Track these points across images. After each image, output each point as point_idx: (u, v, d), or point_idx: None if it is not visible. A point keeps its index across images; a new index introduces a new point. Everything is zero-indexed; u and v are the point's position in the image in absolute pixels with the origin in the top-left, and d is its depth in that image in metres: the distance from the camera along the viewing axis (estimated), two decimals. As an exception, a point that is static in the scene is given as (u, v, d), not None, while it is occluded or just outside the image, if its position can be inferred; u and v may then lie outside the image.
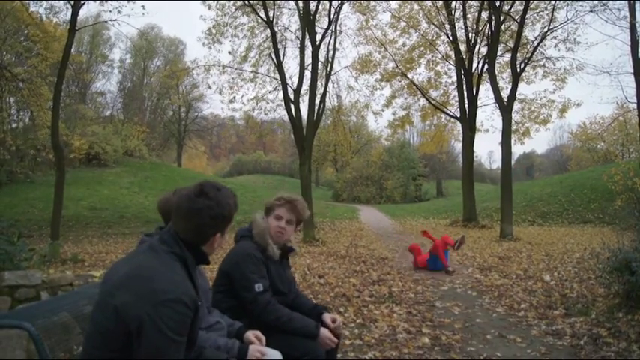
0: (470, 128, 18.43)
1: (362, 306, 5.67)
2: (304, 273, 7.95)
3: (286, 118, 15.32)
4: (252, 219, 2.72)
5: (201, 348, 1.93)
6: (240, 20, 15.73)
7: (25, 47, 16.39)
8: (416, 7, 18.53)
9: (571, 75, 17.69)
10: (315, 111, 14.63)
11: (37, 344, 1.90)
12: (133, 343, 1.59)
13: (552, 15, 15.69)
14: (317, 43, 14.64)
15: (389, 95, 20.04)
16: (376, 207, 33.36)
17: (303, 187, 14.39)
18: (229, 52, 16.14)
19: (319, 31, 15.00)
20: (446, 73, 19.93)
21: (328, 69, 15.77)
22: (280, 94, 15.21)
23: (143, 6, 16.25)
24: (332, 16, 15.10)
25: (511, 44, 16.24)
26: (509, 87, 15.82)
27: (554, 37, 16.49)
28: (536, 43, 16.21)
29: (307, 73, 14.86)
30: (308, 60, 14.80)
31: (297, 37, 15.50)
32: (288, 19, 18.75)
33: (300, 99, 14.69)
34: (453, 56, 18.66)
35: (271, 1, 14.58)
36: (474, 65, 18.37)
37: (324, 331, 2.60)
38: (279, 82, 14.82)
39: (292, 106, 14.41)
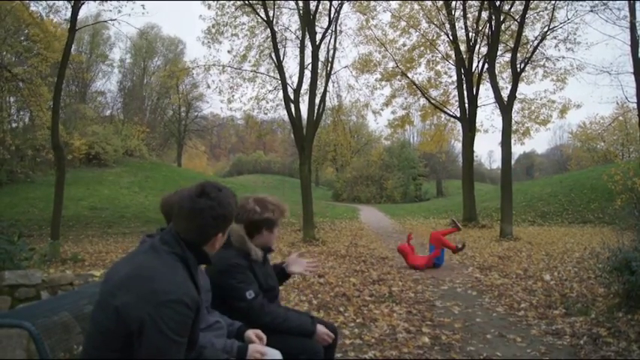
0: (470, 128, 18.43)
1: (362, 305, 5.67)
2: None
3: (286, 117, 15.34)
4: None
5: (202, 348, 1.93)
6: (240, 20, 15.75)
7: (25, 47, 16.38)
8: (416, 6, 18.53)
9: (571, 75, 17.74)
10: (315, 111, 14.64)
11: (37, 344, 1.90)
12: (134, 343, 1.59)
13: (552, 15, 15.70)
14: (317, 43, 14.64)
15: (389, 95, 20.07)
16: (376, 206, 33.36)
17: (303, 187, 14.39)
18: (229, 52, 16.15)
19: (319, 31, 15.02)
20: (446, 73, 19.96)
21: (328, 69, 15.78)
22: (280, 94, 15.22)
23: (143, 5, 16.24)
24: (332, 15, 15.12)
25: (511, 44, 16.24)
26: (510, 87, 15.82)
27: (555, 37, 16.51)
28: (536, 42, 16.21)
29: (307, 73, 14.89)
30: (308, 60, 14.82)
31: (297, 37, 15.52)
32: (288, 19, 18.72)
33: (300, 99, 14.71)
34: (453, 56, 18.66)
35: (271, 1, 14.58)
36: (474, 65, 18.37)
37: (320, 328, 2.60)
38: (279, 81, 14.83)
39: (292, 105, 14.42)
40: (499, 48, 16.36)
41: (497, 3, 15.19)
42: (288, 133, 34.01)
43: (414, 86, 19.41)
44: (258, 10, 14.71)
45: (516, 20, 15.38)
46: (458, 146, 39.70)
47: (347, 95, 36.79)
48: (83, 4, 12.33)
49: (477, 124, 19.08)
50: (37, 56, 14.84)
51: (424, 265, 8.48)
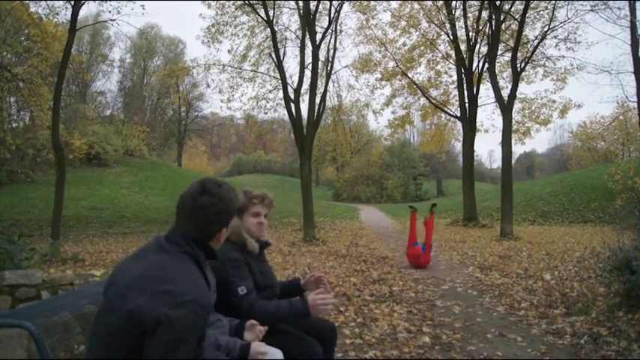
0: (470, 128, 18.43)
1: (362, 305, 5.67)
2: (305, 272, 7.95)
3: (286, 117, 15.34)
4: None
5: (200, 349, 1.93)
6: (240, 19, 15.74)
7: (25, 47, 16.37)
8: (416, 6, 18.53)
9: (571, 75, 17.73)
10: (316, 110, 14.63)
11: (37, 344, 1.90)
12: (145, 341, 1.59)
13: (553, 14, 15.69)
14: (317, 43, 14.63)
15: (389, 94, 20.07)
16: (376, 206, 33.37)
17: (304, 187, 14.39)
18: (229, 51, 16.15)
19: (319, 31, 15.01)
20: (446, 73, 19.95)
21: (328, 68, 15.77)
22: (280, 94, 15.22)
23: (143, 6, 16.27)
24: (332, 15, 15.11)
25: (511, 43, 16.23)
26: (510, 86, 15.81)
27: (555, 37, 16.50)
28: (536, 42, 16.20)
29: (307, 73, 14.88)
30: (308, 59, 14.81)
31: (298, 37, 15.51)
32: (289, 19, 18.76)
33: (301, 98, 14.70)
34: (454, 55, 18.66)
35: (271, 1, 14.57)
36: (475, 64, 18.37)
37: (312, 299, 2.57)
38: (280, 81, 14.82)
39: (292, 105, 14.41)
40: (499, 47, 16.36)
41: (498, 2, 15.19)
42: (288, 132, 33.99)
43: (415, 86, 19.41)
44: (258, 10, 14.70)
45: (516, 20, 15.37)
46: (458, 146, 39.73)
47: (347, 95, 36.76)
48: (83, 4, 12.33)
49: (477, 124, 19.08)
50: (37, 56, 14.83)
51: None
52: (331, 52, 15.87)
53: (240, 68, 16.08)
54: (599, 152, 35.54)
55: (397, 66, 19.02)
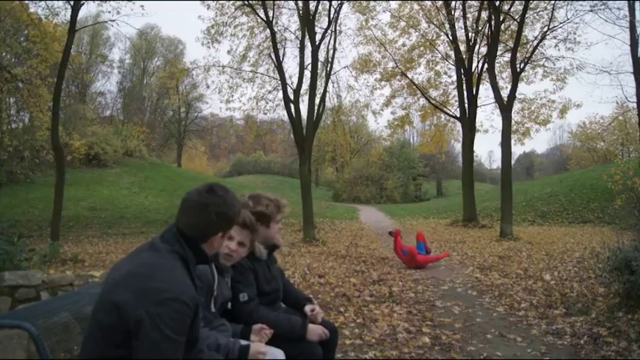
0: (470, 128, 18.43)
1: (362, 306, 5.67)
2: (304, 273, 7.95)
3: (286, 117, 15.33)
4: None
5: (199, 351, 1.94)
6: (240, 20, 15.73)
7: (24, 48, 16.36)
8: (416, 6, 18.54)
9: (571, 75, 17.73)
10: (315, 111, 14.63)
11: (37, 344, 1.90)
12: (132, 344, 1.60)
13: (552, 14, 15.71)
14: (317, 43, 14.63)
15: (388, 95, 20.07)
16: (376, 207, 33.34)
17: (303, 187, 14.39)
18: (228, 52, 16.14)
19: (319, 31, 15.01)
20: (446, 73, 19.95)
21: (328, 69, 15.77)
22: (280, 94, 15.21)
23: (142, 6, 16.26)
24: (332, 16, 15.11)
25: (511, 44, 16.24)
26: (509, 87, 15.82)
27: (554, 37, 16.50)
28: (536, 42, 16.21)
29: (307, 73, 14.87)
30: (308, 60, 14.81)
31: (297, 37, 15.50)
32: (288, 19, 18.70)
33: (300, 99, 14.70)
34: (453, 56, 18.67)
35: (271, 1, 14.57)
36: (474, 65, 18.38)
37: (313, 328, 2.59)
38: (279, 81, 14.82)
39: (292, 105, 14.41)
40: (499, 48, 16.36)
41: (497, 3, 15.20)
42: (287, 133, 33.98)
43: (414, 86, 19.42)
44: (257, 11, 14.70)
45: (516, 20, 15.38)
46: (458, 146, 39.73)
47: (347, 95, 36.73)
48: (83, 4, 12.33)
49: (476, 125, 19.09)
50: (37, 57, 14.83)
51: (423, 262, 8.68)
52: (331, 52, 15.89)
53: (240, 69, 16.09)
54: (598, 152, 35.57)
55: (397, 66, 19.04)
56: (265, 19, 14.34)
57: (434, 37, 19.23)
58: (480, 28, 17.65)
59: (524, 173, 55.19)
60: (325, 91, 15.41)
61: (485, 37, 17.27)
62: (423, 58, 19.74)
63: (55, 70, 13.58)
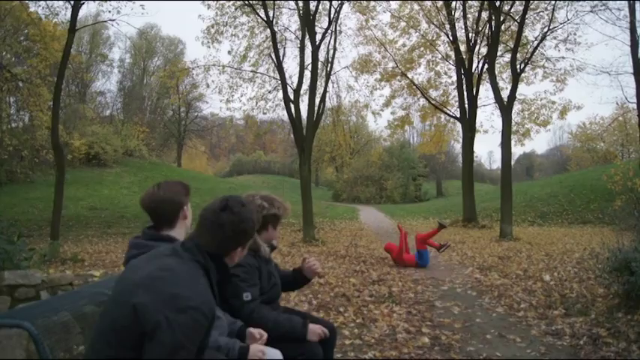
0: (470, 128, 18.45)
1: (362, 306, 5.67)
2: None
3: (286, 117, 15.34)
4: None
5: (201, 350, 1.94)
6: (240, 20, 15.75)
7: (24, 47, 16.36)
8: (416, 7, 18.56)
9: (571, 76, 17.77)
10: (315, 111, 14.63)
11: (36, 344, 1.90)
12: (145, 345, 1.60)
13: (552, 15, 15.72)
14: (317, 43, 14.63)
15: (388, 95, 20.10)
16: (376, 207, 33.35)
17: (303, 187, 14.39)
18: (229, 52, 16.16)
19: (319, 31, 15.02)
20: (446, 73, 19.97)
21: (328, 69, 15.79)
22: (280, 94, 15.22)
23: (142, 6, 16.24)
24: (332, 16, 15.12)
25: (511, 44, 16.25)
26: (509, 87, 15.83)
27: (555, 38, 16.56)
28: (536, 43, 16.23)
29: (307, 73, 14.89)
30: (308, 60, 14.82)
31: (297, 37, 15.51)
32: (288, 19, 18.76)
33: (300, 99, 14.70)
34: (453, 56, 18.68)
35: (271, 1, 14.57)
36: (474, 65, 18.40)
37: (312, 328, 2.60)
38: (279, 81, 14.83)
39: (292, 105, 14.41)
40: (499, 48, 16.38)
41: (497, 3, 15.21)
42: (287, 133, 34.02)
43: (414, 87, 19.43)
44: (257, 10, 14.70)
45: (516, 21, 15.39)
46: (458, 146, 39.84)
47: (347, 95, 36.79)
48: (83, 4, 12.31)
49: (476, 125, 19.11)
50: (37, 56, 14.83)
51: (415, 260, 8.80)
52: (331, 52, 15.92)
53: (240, 69, 16.10)
54: (598, 153, 35.57)
55: (397, 67, 19.04)
56: (265, 18, 14.35)
57: (434, 38, 19.25)
58: (480, 28, 17.66)
59: (524, 174, 55.16)
60: (325, 91, 15.42)
61: (485, 38, 17.29)
62: (423, 59, 19.77)
63: (55, 70, 13.58)
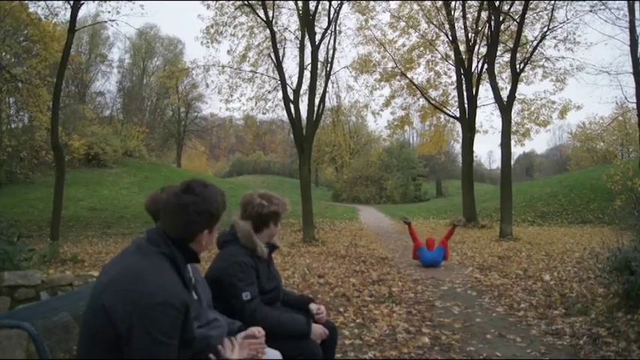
0: (469, 128, 18.45)
1: (362, 306, 5.67)
2: (304, 273, 7.95)
3: (285, 118, 15.32)
4: (233, 222, 2.69)
5: (208, 338, 1.97)
6: (240, 20, 15.73)
7: (24, 48, 16.36)
8: (415, 7, 18.56)
9: (571, 75, 17.77)
10: (315, 111, 14.63)
11: (36, 344, 1.89)
12: (124, 349, 1.60)
13: (552, 15, 15.72)
14: (316, 43, 14.62)
15: (388, 95, 20.09)
16: (376, 207, 33.37)
17: (303, 187, 14.41)
18: (228, 52, 16.14)
19: (319, 31, 15.00)
20: (445, 73, 19.98)
21: (328, 69, 15.77)
22: (279, 94, 15.21)
23: (142, 6, 16.22)
24: (331, 16, 15.10)
25: (510, 44, 16.25)
26: (509, 87, 15.83)
27: (554, 37, 16.54)
28: (535, 42, 16.23)
29: (307, 73, 14.86)
30: (307, 60, 14.80)
31: (297, 37, 15.50)
32: (288, 19, 18.77)
33: (300, 99, 14.69)
34: (453, 56, 18.69)
35: (271, 1, 14.57)
36: (474, 65, 18.40)
37: (315, 328, 2.61)
38: (279, 81, 14.82)
39: (292, 106, 14.41)
40: (498, 48, 16.37)
41: (497, 3, 15.21)
42: (287, 133, 34.00)
43: (414, 86, 19.43)
44: (257, 10, 14.70)
45: (516, 20, 15.39)
46: (457, 146, 39.82)
47: (346, 96, 36.86)
48: (82, 4, 12.31)
49: (476, 125, 19.11)
50: (36, 57, 14.82)
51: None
52: (330, 52, 15.89)
53: (240, 69, 16.09)
54: (598, 153, 35.58)
55: (396, 67, 19.05)
56: (265, 19, 14.34)
57: (433, 38, 19.26)
58: (479, 28, 17.66)
59: (524, 173, 55.17)
60: (325, 91, 15.41)
61: (485, 38, 17.28)
62: (423, 59, 19.78)
63: (55, 70, 13.58)
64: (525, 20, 15.34)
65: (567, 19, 15.66)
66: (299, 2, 14.81)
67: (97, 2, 13.36)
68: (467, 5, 17.92)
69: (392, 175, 41.57)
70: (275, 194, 2.77)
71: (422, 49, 19.43)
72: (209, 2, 15.14)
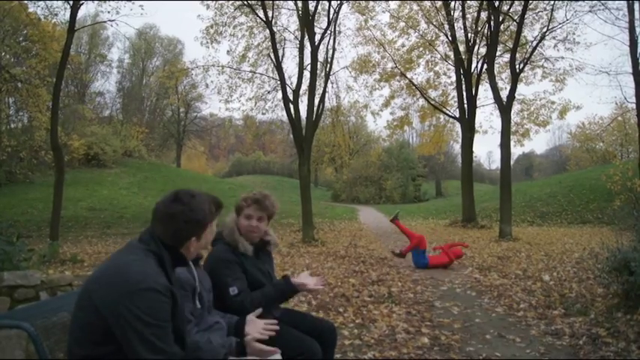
0: (469, 129, 18.45)
1: (361, 306, 5.67)
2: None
3: (285, 118, 15.32)
4: (222, 221, 2.74)
5: (198, 349, 2.00)
6: (239, 20, 15.73)
7: (23, 48, 16.35)
8: (415, 7, 18.56)
9: (570, 76, 17.78)
10: (315, 111, 14.63)
11: (36, 345, 1.89)
12: (117, 338, 1.65)
13: (551, 15, 15.74)
14: (316, 43, 14.63)
15: (388, 95, 20.10)
16: (375, 207, 33.36)
17: (303, 188, 14.39)
18: (228, 52, 16.14)
19: (318, 32, 15.00)
20: (445, 74, 19.98)
21: (327, 69, 15.77)
22: (279, 94, 15.22)
23: (142, 6, 16.18)
24: (331, 16, 15.11)
25: (510, 44, 16.26)
26: (509, 87, 15.84)
27: (554, 37, 16.56)
28: (535, 43, 16.24)
29: (306, 73, 14.87)
30: (307, 60, 14.81)
31: (297, 38, 15.50)
32: (287, 19, 18.81)
33: (299, 99, 14.70)
34: (452, 56, 18.69)
35: (270, 2, 14.57)
36: (473, 65, 18.40)
37: (299, 284, 2.70)
38: (278, 82, 14.82)
39: (291, 106, 14.41)
40: (498, 48, 16.38)
41: (496, 3, 15.22)
42: (287, 133, 34.02)
43: (413, 87, 19.44)
44: (256, 11, 14.70)
45: (515, 21, 15.40)
46: (457, 146, 39.86)
47: (346, 96, 36.88)
48: (82, 4, 12.29)
49: (476, 125, 19.11)
50: (36, 57, 14.81)
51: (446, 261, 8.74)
52: (330, 52, 15.90)
53: (239, 69, 16.09)
54: (597, 153, 35.63)
55: (396, 67, 19.05)
56: (264, 19, 14.33)
57: (433, 38, 19.26)
58: (479, 28, 17.66)
59: (524, 174, 55.22)
60: (324, 91, 15.41)
61: (484, 38, 17.28)
62: (422, 59, 19.79)
63: (54, 70, 13.57)
64: (525, 20, 15.35)
65: (567, 20, 15.71)
66: (299, 2, 14.83)
67: (96, 2, 13.34)
68: (466, 5, 17.93)
69: (391, 176, 41.57)
70: (263, 192, 2.83)
71: (421, 49, 19.44)
72: (209, 2, 15.16)
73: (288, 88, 14.57)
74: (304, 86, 14.93)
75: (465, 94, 18.30)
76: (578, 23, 16.41)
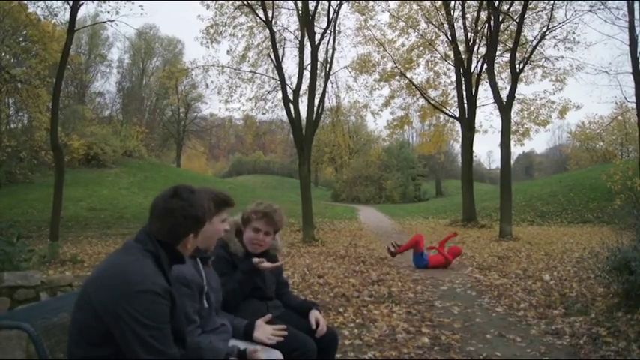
0: (469, 128, 18.45)
1: (361, 306, 5.67)
2: (303, 273, 7.95)
3: (285, 118, 15.32)
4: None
5: (200, 349, 2.00)
6: (239, 20, 15.73)
7: (23, 48, 16.35)
8: (415, 7, 18.56)
9: (570, 75, 17.80)
10: (315, 111, 14.62)
11: (36, 345, 1.90)
12: (115, 339, 1.65)
13: (551, 15, 15.75)
14: (316, 43, 14.62)
15: (388, 95, 20.07)
16: (375, 207, 33.36)
17: (303, 188, 14.39)
18: (228, 52, 16.14)
19: (318, 31, 15.00)
20: (445, 73, 19.97)
21: (327, 69, 15.77)
22: (279, 94, 15.21)
23: (141, 6, 16.17)
24: (331, 16, 15.10)
25: (510, 44, 16.26)
26: (509, 87, 15.85)
27: (553, 37, 16.57)
28: (535, 42, 16.25)
29: (306, 73, 14.86)
30: (307, 60, 14.80)
31: (296, 37, 15.50)
32: (287, 19, 18.80)
33: (299, 99, 14.69)
34: (452, 56, 18.69)
35: (270, 2, 14.57)
36: (473, 65, 18.40)
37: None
38: (278, 82, 14.82)
39: (291, 106, 14.41)
40: (498, 48, 16.38)
41: (496, 3, 15.21)
42: (287, 133, 34.01)
43: (413, 86, 19.43)
44: (256, 11, 14.69)
45: (515, 20, 15.40)
46: (457, 146, 39.84)
47: (346, 96, 36.82)
48: (82, 5, 12.29)
49: (476, 125, 19.11)
50: (36, 57, 14.81)
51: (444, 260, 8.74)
52: (330, 52, 15.89)
53: (239, 69, 16.09)
54: (597, 152, 35.63)
55: (396, 67, 19.04)
56: (264, 19, 14.33)
57: (433, 38, 19.26)
58: (479, 28, 17.67)
59: (524, 173, 55.23)
60: (324, 91, 15.41)
61: (484, 38, 17.29)
62: (422, 59, 19.79)
63: (54, 70, 13.57)
64: (525, 20, 15.36)
65: (567, 19, 15.73)
66: (298, 2, 14.82)
67: (96, 2, 13.34)
68: (466, 5, 17.93)
69: (391, 175, 41.56)
70: (273, 206, 2.82)
71: (421, 49, 19.44)
72: (208, 2, 15.16)
73: (288, 88, 14.57)
74: (304, 86, 14.94)
75: (464, 93, 18.30)
76: (578, 23, 16.48)
